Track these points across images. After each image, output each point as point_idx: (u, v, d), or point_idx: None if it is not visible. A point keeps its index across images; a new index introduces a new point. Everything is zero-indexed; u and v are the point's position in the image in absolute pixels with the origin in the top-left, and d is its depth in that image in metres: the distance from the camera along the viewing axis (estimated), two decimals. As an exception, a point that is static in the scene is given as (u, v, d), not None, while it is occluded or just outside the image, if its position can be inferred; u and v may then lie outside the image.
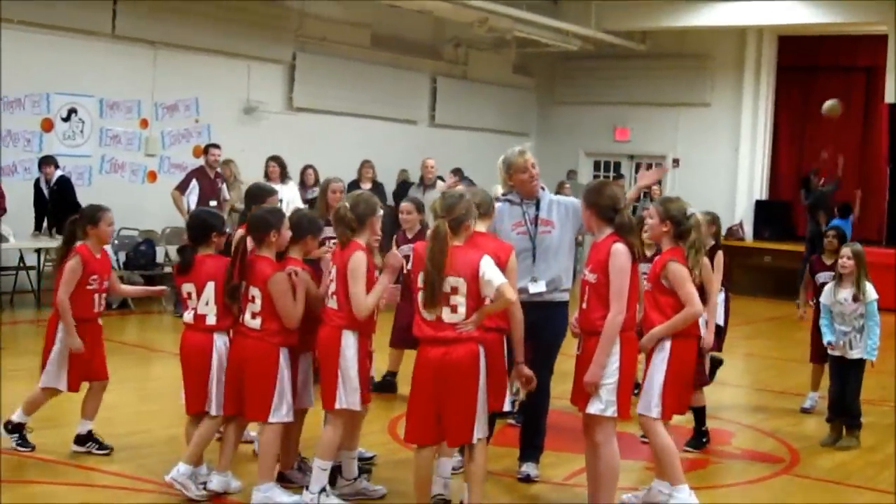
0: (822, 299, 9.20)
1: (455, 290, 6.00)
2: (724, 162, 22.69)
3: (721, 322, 9.58)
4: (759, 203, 22.54)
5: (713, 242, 9.28)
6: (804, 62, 22.77)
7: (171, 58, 16.65)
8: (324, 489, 6.49)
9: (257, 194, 8.16)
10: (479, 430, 6.16)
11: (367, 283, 6.36)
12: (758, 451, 8.90)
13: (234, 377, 6.63)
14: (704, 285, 7.60)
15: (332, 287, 6.46)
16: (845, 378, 9.03)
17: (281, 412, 6.54)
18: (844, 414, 9.08)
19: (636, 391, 7.03)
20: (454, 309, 6.02)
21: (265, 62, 18.27)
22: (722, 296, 9.17)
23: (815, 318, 9.93)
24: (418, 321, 6.13)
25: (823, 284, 9.65)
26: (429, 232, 6.22)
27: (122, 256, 15.39)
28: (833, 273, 9.34)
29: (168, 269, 15.69)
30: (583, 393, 6.35)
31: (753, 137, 22.59)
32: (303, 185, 16.76)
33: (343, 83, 19.51)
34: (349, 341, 6.44)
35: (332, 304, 6.47)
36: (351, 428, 6.73)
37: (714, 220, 9.60)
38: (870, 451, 8.98)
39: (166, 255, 15.89)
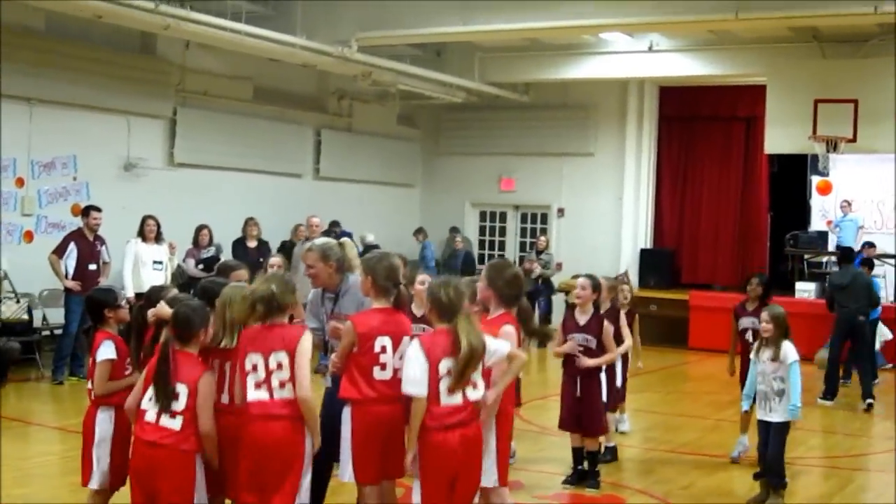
0: (752, 355, 9.41)
1: (475, 368, 6.23)
2: (609, 211, 22.90)
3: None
4: (643, 251, 22.76)
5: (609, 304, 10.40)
6: (685, 112, 23.13)
7: (47, 114, 16.19)
8: None
9: (223, 270, 8.02)
10: None
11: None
12: (651, 518, 8.83)
13: (142, 493, 6.13)
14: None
15: (282, 376, 6.09)
16: (767, 439, 9.14)
17: None
18: (769, 473, 9.17)
19: None
20: (475, 385, 6.21)
21: (145, 117, 17.90)
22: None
23: (742, 363, 10.36)
24: (439, 409, 6.10)
25: (746, 330, 10.54)
26: (460, 328, 6.17)
27: (-2, 321, 14.86)
28: (754, 319, 10.14)
29: (45, 334, 15.24)
30: None
31: (637, 186, 22.82)
32: (197, 246, 16.44)
33: (225, 138, 19.25)
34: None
35: (285, 394, 6.09)
36: None
37: (613, 285, 10.53)
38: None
39: (44, 318, 15.39)
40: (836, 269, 20.67)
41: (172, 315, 6.34)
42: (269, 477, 6.08)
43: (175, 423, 6.11)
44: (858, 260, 17.20)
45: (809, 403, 14.47)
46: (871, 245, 18.25)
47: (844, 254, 16.30)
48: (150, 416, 6.15)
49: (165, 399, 6.08)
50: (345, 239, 7.69)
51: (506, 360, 6.37)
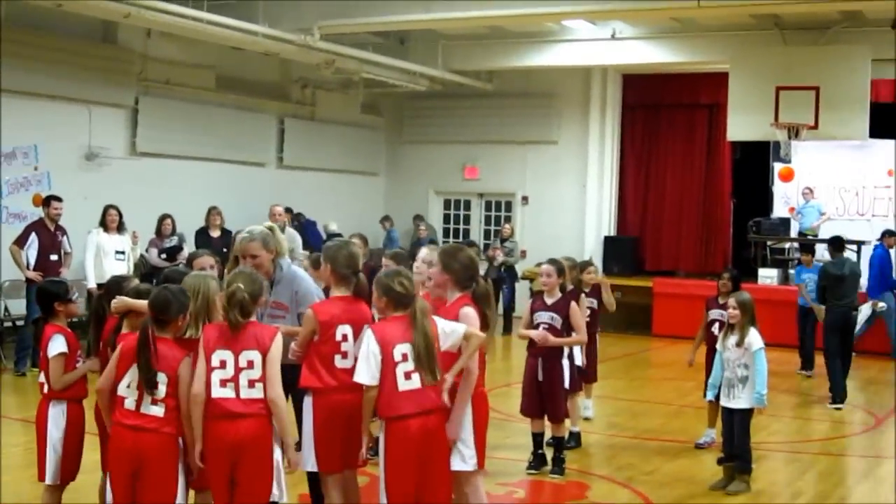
0: (717, 345, 9.44)
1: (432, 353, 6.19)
2: (573, 199, 22.95)
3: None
4: (607, 239, 22.81)
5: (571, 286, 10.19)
6: (649, 100, 23.16)
7: (7, 104, 15.96)
8: None
9: (192, 260, 8.11)
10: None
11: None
12: (614, 504, 8.87)
13: (127, 476, 6.02)
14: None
15: (252, 374, 5.98)
16: (731, 425, 9.18)
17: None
18: (734, 458, 9.20)
19: None
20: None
21: (106, 107, 17.76)
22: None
23: (708, 354, 10.35)
24: (396, 396, 6.05)
25: (713, 321, 10.53)
26: (417, 313, 6.19)
27: (-41, 312, 14.77)
28: (723, 312, 9.90)
29: (7, 325, 15.14)
30: None
31: (600, 174, 22.87)
32: (159, 235, 16.29)
33: (188, 126, 19.14)
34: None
35: (254, 393, 5.99)
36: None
37: (574, 265, 10.49)
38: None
39: (5, 309, 15.30)
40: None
41: (151, 298, 6.19)
42: (237, 475, 5.98)
43: (158, 410, 6.02)
44: (879, 248, 17.24)
45: (774, 389, 14.57)
46: (891, 234, 17.80)
47: (836, 242, 14.57)
48: (130, 403, 6.04)
49: (149, 387, 5.97)
50: (271, 224, 7.65)
51: (463, 340, 6.30)
